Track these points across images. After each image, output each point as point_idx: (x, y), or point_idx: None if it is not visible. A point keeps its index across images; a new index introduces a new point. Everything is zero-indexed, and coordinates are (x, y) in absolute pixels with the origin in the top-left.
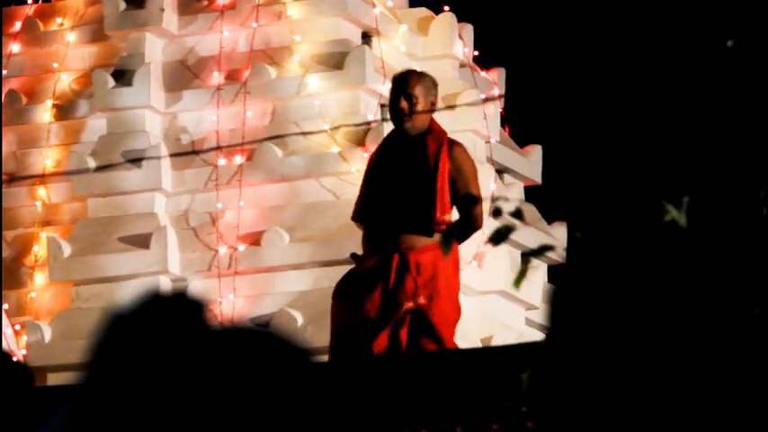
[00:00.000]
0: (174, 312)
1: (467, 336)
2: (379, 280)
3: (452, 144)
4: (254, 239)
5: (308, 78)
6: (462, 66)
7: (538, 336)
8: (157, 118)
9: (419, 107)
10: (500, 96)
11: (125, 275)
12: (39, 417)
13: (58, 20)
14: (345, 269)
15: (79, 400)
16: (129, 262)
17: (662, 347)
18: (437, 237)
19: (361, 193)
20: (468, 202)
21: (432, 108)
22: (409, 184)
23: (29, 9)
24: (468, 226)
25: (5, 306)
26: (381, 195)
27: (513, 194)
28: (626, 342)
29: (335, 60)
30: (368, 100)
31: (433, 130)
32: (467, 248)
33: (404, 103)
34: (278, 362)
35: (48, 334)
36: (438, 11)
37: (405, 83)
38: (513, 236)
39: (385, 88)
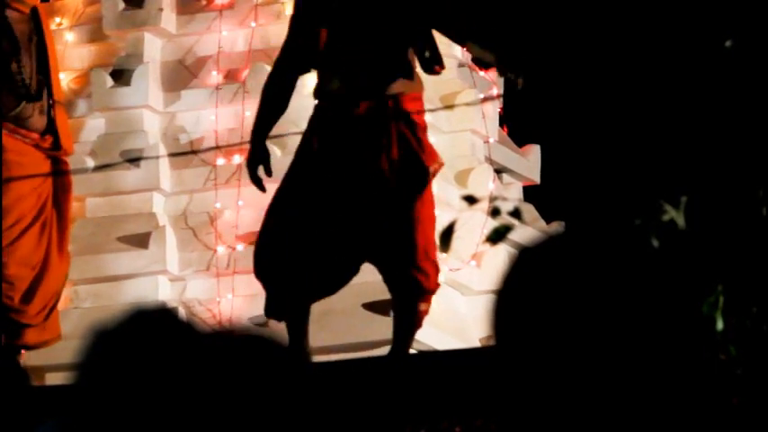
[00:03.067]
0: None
1: (466, 336)
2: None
3: None
4: (253, 239)
5: (306, 78)
6: (461, 65)
7: None
8: (156, 117)
9: None
10: (498, 96)
11: (124, 275)
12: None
13: (57, 19)
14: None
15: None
16: (127, 261)
17: (661, 347)
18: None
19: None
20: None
21: None
22: (388, 23)
23: None
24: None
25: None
26: (352, 40)
27: (512, 194)
28: (622, 342)
29: None
30: None
31: None
32: (466, 248)
33: None
34: (277, 362)
35: None
36: None
37: None
38: (512, 235)
39: None
